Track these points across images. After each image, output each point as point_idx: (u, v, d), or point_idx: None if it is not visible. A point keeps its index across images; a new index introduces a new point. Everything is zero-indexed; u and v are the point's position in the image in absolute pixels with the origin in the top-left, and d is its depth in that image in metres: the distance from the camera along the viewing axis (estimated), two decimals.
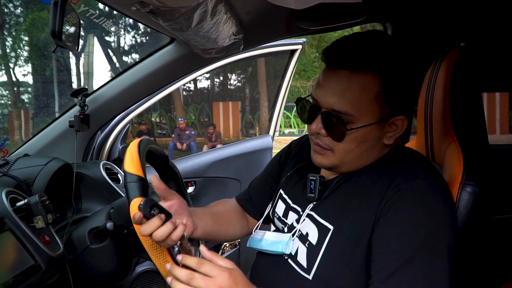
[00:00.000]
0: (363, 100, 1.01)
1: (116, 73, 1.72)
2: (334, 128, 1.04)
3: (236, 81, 19.19)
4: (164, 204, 1.12)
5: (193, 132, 12.68)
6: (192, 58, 1.67)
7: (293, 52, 2.70)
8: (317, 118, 1.07)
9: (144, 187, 1.13)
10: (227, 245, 2.52)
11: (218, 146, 11.85)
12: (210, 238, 1.30)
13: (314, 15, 1.61)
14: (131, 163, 1.14)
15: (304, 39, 2.73)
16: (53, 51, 0.94)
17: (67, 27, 1.02)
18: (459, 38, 1.56)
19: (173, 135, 12.82)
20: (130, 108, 2.03)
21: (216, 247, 2.47)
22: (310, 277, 1.06)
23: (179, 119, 13.18)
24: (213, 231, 1.27)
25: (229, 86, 19.07)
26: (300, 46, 2.68)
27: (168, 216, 1.00)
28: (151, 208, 0.98)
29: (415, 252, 0.94)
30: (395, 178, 1.03)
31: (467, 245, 1.10)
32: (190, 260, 0.93)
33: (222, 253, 2.52)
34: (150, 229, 0.98)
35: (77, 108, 1.72)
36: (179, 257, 0.94)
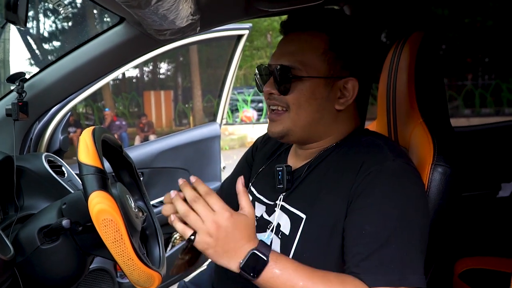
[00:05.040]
0: (312, 56, 1.08)
1: (37, 60, 1.53)
2: (282, 81, 1.08)
3: (167, 70, 18.72)
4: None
5: (123, 123, 12.22)
6: (143, 40, 1.55)
7: (239, 37, 2.66)
8: (270, 79, 1.12)
9: (103, 179, 1.04)
10: (177, 237, 2.41)
11: (151, 136, 11.55)
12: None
13: None
14: (87, 153, 1.05)
15: (251, 24, 2.69)
16: (2, 27, 0.81)
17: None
18: (418, 24, 1.59)
19: (102, 126, 12.27)
20: (72, 95, 1.87)
21: (166, 239, 2.36)
22: None
23: (105, 110, 12.66)
24: None
25: (159, 75, 18.57)
26: (247, 31, 2.64)
27: None
28: None
29: (390, 235, 0.93)
30: (364, 162, 1.02)
31: (440, 225, 1.12)
32: (202, 187, 0.91)
33: (173, 246, 2.42)
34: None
35: (14, 94, 1.54)
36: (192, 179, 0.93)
